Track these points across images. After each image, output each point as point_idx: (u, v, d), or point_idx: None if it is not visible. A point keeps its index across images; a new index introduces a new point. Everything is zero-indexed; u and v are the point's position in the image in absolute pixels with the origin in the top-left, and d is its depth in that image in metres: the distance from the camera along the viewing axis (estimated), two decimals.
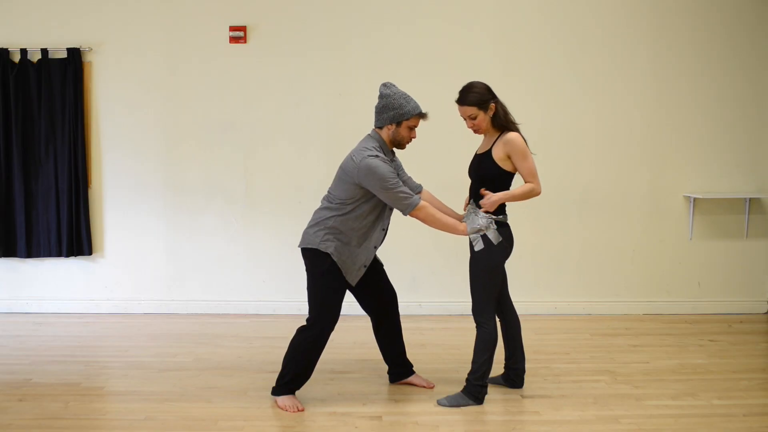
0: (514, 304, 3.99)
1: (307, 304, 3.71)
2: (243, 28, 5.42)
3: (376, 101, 3.74)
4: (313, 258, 3.64)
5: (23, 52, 5.39)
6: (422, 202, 3.57)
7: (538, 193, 3.56)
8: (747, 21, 5.52)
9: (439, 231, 3.73)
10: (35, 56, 5.42)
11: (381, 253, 5.45)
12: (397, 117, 3.58)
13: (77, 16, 5.44)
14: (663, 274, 5.66)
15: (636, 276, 5.65)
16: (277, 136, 5.53)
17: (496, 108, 3.56)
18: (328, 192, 3.71)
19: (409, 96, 3.63)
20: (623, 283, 5.65)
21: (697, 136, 5.58)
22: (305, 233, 3.70)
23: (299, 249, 3.73)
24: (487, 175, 3.61)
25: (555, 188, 5.52)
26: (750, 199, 5.59)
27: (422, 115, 3.63)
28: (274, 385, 3.74)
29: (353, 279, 3.67)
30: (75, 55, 5.40)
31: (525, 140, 3.59)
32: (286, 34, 5.47)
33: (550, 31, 5.49)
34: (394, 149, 3.75)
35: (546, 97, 5.51)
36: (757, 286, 5.71)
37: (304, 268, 3.73)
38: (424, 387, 3.98)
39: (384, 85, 3.66)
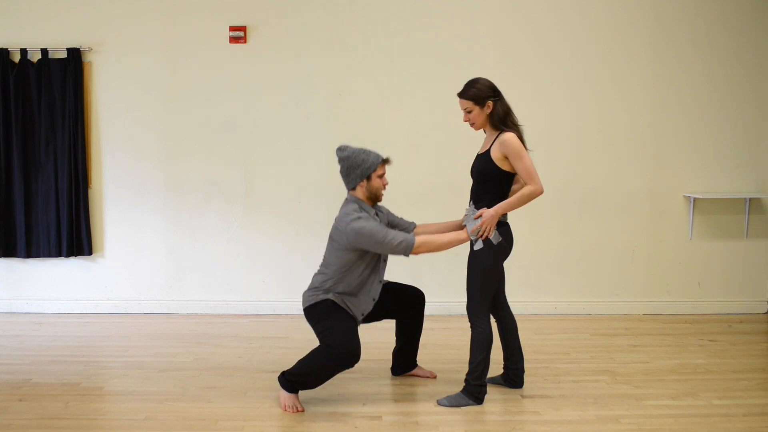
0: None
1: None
2: (243, 28, 5.42)
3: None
4: (314, 310, 3.73)
5: (23, 52, 5.39)
6: (417, 239, 3.60)
7: (538, 194, 3.51)
8: (747, 21, 5.52)
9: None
10: (35, 56, 5.43)
11: None
12: (364, 173, 3.68)
13: (77, 16, 5.44)
14: (663, 274, 5.66)
15: (636, 276, 5.65)
16: (277, 136, 5.53)
17: (494, 106, 3.57)
18: (324, 258, 3.80)
19: (366, 149, 3.73)
20: (623, 283, 5.65)
21: (697, 136, 5.58)
22: (304, 296, 3.80)
23: (302, 308, 3.81)
24: (487, 175, 3.61)
25: (555, 188, 5.52)
26: (750, 199, 5.59)
27: (386, 161, 3.74)
28: (284, 370, 3.70)
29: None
30: (75, 55, 5.40)
31: (523, 140, 3.58)
32: (286, 34, 5.47)
33: (552, 31, 5.49)
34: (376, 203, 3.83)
35: (546, 97, 5.51)
36: (757, 286, 5.71)
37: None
38: (428, 377, 4.10)
39: (339, 149, 3.75)
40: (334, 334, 3.61)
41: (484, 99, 3.56)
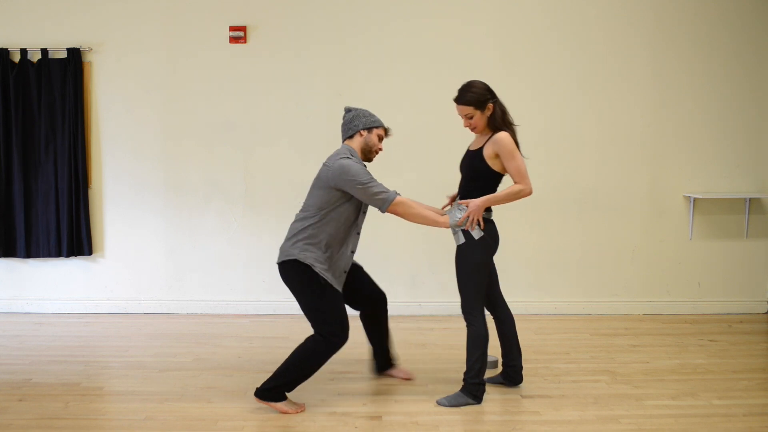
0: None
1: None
2: (243, 28, 5.42)
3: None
4: (294, 270, 3.61)
5: (23, 52, 5.39)
6: (398, 198, 3.57)
7: (527, 194, 3.51)
8: (747, 21, 5.52)
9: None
10: (35, 56, 5.43)
11: (381, 252, 5.46)
12: (368, 123, 3.74)
13: (77, 16, 5.44)
14: (663, 274, 5.66)
15: (636, 276, 5.65)
16: (277, 136, 5.54)
17: (494, 108, 3.55)
18: (303, 204, 3.73)
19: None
20: (623, 283, 5.65)
21: (697, 136, 5.58)
22: (282, 248, 3.69)
23: (277, 262, 3.71)
24: (478, 173, 3.60)
25: (555, 188, 5.53)
26: (750, 199, 5.59)
27: (387, 130, 3.81)
28: (258, 387, 3.61)
29: (337, 286, 3.66)
30: (75, 55, 5.40)
31: (516, 141, 3.57)
32: (286, 34, 5.47)
33: (552, 31, 5.49)
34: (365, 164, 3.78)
35: (547, 97, 5.52)
36: (757, 286, 5.71)
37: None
38: (402, 378, 4.08)
39: (347, 107, 3.83)
40: (322, 320, 3.57)
41: (484, 102, 3.53)
